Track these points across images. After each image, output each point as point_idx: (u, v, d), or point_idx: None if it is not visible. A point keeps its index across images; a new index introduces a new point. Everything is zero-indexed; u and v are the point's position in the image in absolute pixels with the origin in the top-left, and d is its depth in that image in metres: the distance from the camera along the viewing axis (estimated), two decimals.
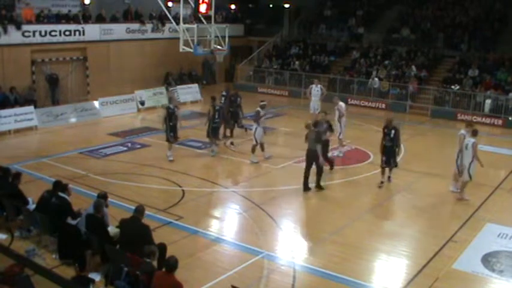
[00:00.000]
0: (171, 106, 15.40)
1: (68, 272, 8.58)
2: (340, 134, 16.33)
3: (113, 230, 8.96)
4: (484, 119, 22.36)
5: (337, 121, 16.21)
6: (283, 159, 15.73)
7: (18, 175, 10.58)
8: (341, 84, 26.35)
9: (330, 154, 16.38)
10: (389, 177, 13.87)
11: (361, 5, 31.82)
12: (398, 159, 13.84)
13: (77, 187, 12.16)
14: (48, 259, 9.15)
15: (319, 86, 20.02)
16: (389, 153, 13.40)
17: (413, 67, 25.43)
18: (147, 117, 21.24)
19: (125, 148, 16.85)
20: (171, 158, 15.35)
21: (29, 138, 18.36)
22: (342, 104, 16.49)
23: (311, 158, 12.94)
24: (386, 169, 13.70)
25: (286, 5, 32.87)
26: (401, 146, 13.91)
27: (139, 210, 8.56)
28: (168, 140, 15.35)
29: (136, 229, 8.34)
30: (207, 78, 29.49)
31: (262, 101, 16.04)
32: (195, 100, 25.01)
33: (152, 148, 17.12)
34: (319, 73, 27.34)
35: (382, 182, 13.67)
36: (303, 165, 15.33)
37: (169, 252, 8.25)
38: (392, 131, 13.22)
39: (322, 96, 19.81)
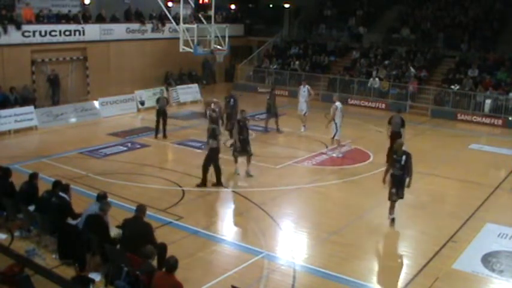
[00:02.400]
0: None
1: (68, 272, 8.57)
2: (335, 135, 16.11)
3: (113, 230, 8.95)
4: (484, 119, 22.36)
5: (333, 121, 15.98)
6: (283, 159, 15.72)
7: (36, 175, 10.56)
8: (341, 84, 26.35)
9: (332, 154, 16.42)
10: (393, 219, 11.39)
11: (361, 5, 31.82)
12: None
13: (77, 187, 12.16)
14: (48, 259, 9.14)
15: (306, 86, 19.57)
16: (399, 184, 11.14)
17: (411, 68, 25.44)
18: (147, 117, 21.21)
19: (125, 148, 16.84)
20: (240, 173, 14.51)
21: (29, 138, 18.35)
22: (337, 104, 16.06)
23: (397, 139, 13.60)
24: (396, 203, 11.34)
25: (286, 5, 32.88)
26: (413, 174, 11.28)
27: (141, 209, 8.58)
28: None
29: (138, 228, 8.35)
30: (207, 78, 29.49)
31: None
32: (195, 100, 25.01)
33: (152, 148, 17.13)
34: (319, 73, 27.39)
35: (393, 220, 11.32)
36: (303, 164, 15.42)
37: (169, 252, 8.25)
38: (403, 157, 11.05)
39: (309, 97, 19.42)
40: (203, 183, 13.18)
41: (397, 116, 15.34)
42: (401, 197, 11.24)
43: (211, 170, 13.16)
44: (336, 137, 16.17)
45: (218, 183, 13.28)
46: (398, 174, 11.08)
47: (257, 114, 22.00)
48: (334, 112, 15.94)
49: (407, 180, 11.11)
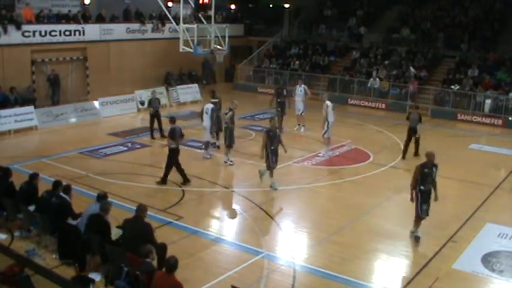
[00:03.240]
0: (230, 107, 15.02)
1: (68, 272, 8.58)
2: (325, 132, 16.10)
3: (113, 230, 8.95)
4: (484, 119, 22.36)
5: (326, 120, 15.96)
6: (283, 159, 15.65)
7: (36, 175, 10.56)
8: (341, 84, 26.35)
9: (324, 154, 16.38)
10: (417, 237, 10.49)
11: (361, 5, 31.84)
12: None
13: (77, 187, 12.15)
14: (48, 259, 9.15)
15: (302, 86, 19.57)
16: (428, 200, 10.28)
17: (411, 68, 25.44)
18: (147, 117, 21.21)
19: (125, 148, 16.84)
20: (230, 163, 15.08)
21: (29, 138, 18.35)
22: (327, 102, 16.03)
23: (413, 133, 16.03)
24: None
25: (286, 5, 32.88)
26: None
27: (142, 209, 8.58)
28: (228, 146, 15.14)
29: (138, 228, 8.35)
30: (207, 78, 29.48)
31: (214, 98, 16.07)
32: (195, 100, 25.01)
33: (152, 148, 17.13)
34: (319, 73, 27.39)
35: (417, 238, 10.49)
36: (303, 164, 15.41)
37: (169, 252, 8.26)
38: (434, 170, 10.21)
39: (306, 97, 19.39)
40: (163, 181, 13.17)
41: (414, 112, 16.36)
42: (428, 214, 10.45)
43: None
44: (325, 135, 16.16)
45: (185, 181, 13.23)
46: (428, 190, 10.19)
47: (257, 114, 22.04)
48: (326, 111, 15.94)
49: (433, 193, 10.30)
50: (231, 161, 15.19)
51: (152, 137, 17.89)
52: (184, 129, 18.16)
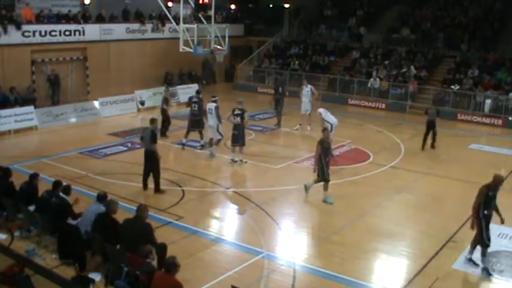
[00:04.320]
0: (242, 108, 15.02)
1: (68, 272, 8.57)
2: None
3: None
4: (484, 119, 22.37)
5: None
6: (283, 159, 15.71)
7: (36, 175, 10.55)
8: (341, 84, 26.36)
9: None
10: (486, 269, 9.30)
11: (361, 5, 31.84)
12: None
13: (77, 187, 12.15)
14: (48, 259, 9.14)
15: (309, 86, 19.63)
16: (488, 226, 9.36)
17: (412, 67, 25.44)
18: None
19: (125, 148, 16.84)
20: None
21: (29, 138, 18.35)
22: (319, 110, 16.34)
23: (431, 126, 17.25)
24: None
25: (286, 5, 32.89)
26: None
27: (142, 209, 8.58)
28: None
29: (138, 228, 8.35)
30: (207, 78, 29.48)
31: (213, 97, 16.15)
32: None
33: None
34: (319, 73, 27.38)
35: (487, 271, 9.32)
36: (304, 165, 15.40)
37: (169, 252, 8.26)
38: (496, 192, 9.47)
39: (313, 97, 19.49)
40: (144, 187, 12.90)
41: (432, 107, 17.99)
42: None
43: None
44: None
45: (143, 185, 12.87)
46: (489, 214, 9.39)
47: (257, 114, 22.04)
48: (320, 118, 16.17)
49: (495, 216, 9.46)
50: (244, 161, 15.29)
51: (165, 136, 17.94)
52: (185, 130, 18.20)
